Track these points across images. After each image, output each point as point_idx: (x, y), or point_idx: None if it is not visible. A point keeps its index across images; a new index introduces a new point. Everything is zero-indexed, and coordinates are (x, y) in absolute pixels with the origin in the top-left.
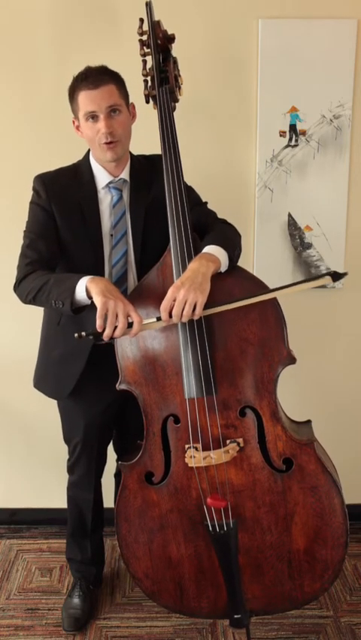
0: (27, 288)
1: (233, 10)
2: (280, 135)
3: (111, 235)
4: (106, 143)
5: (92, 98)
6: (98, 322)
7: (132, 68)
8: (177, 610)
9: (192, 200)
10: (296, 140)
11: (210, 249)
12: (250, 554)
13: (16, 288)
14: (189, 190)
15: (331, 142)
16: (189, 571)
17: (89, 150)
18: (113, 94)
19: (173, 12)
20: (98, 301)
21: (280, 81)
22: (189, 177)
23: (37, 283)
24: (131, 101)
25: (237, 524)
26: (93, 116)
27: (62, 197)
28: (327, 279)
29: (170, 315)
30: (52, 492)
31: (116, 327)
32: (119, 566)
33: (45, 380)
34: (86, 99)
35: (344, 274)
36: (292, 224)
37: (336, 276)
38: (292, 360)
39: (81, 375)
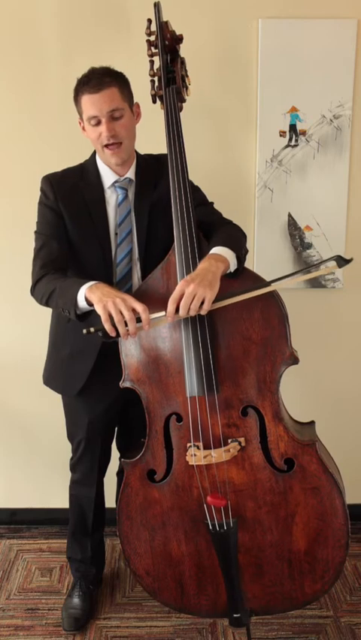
0: (41, 293)
1: (233, 10)
2: (280, 135)
3: (116, 234)
4: (108, 146)
5: (94, 102)
6: (107, 327)
7: (141, 69)
8: (177, 608)
9: (197, 200)
10: (296, 140)
11: (218, 250)
12: (251, 554)
13: (32, 291)
14: (195, 189)
15: (331, 142)
16: (189, 569)
17: (95, 150)
18: (114, 97)
19: (172, 12)
20: (98, 309)
21: (280, 81)
22: (190, 177)
23: (48, 289)
24: (135, 100)
25: (237, 524)
26: (96, 120)
27: (70, 197)
28: (332, 266)
29: (177, 310)
30: (52, 492)
31: (126, 323)
32: (119, 566)
33: (55, 377)
34: (88, 103)
35: (350, 260)
36: (292, 224)
37: (341, 262)
38: (294, 360)
39: (90, 373)
